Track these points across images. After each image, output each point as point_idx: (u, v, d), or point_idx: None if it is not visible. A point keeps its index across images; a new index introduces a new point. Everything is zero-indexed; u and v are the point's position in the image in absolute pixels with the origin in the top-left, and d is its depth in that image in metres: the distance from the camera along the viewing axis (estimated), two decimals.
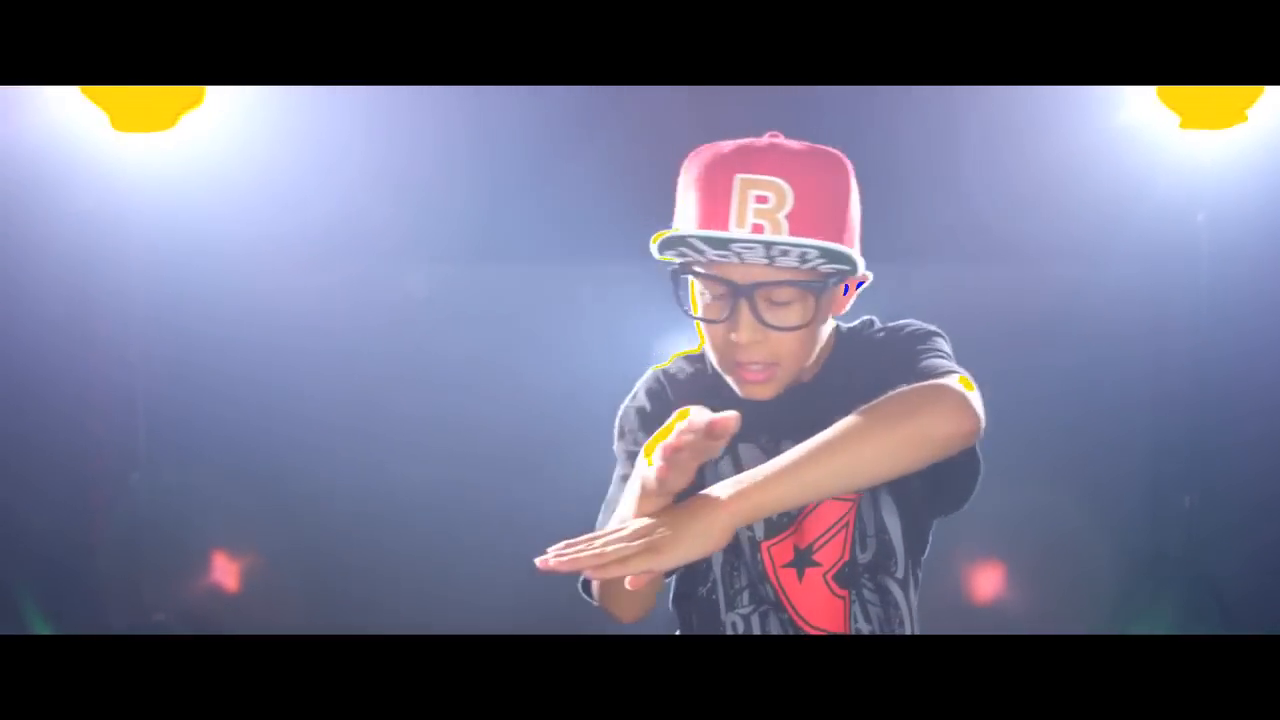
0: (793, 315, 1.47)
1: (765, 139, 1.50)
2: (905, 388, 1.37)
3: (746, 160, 1.45)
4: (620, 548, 1.27)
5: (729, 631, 1.55)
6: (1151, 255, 3.69)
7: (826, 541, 1.53)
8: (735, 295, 1.45)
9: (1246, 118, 3.47)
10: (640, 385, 1.64)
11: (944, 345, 1.53)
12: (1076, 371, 3.54)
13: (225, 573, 3.75)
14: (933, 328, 1.56)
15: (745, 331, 1.46)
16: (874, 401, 1.36)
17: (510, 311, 3.74)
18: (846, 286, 1.54)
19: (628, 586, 1.27)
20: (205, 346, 3.62)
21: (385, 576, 3.70)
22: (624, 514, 1.37)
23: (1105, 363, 3.63)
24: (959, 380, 1.39)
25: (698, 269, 1.47)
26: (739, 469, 1.45)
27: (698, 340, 1.57)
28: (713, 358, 1.54)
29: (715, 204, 1.44)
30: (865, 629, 1.54)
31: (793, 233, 1.41)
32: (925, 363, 1.46)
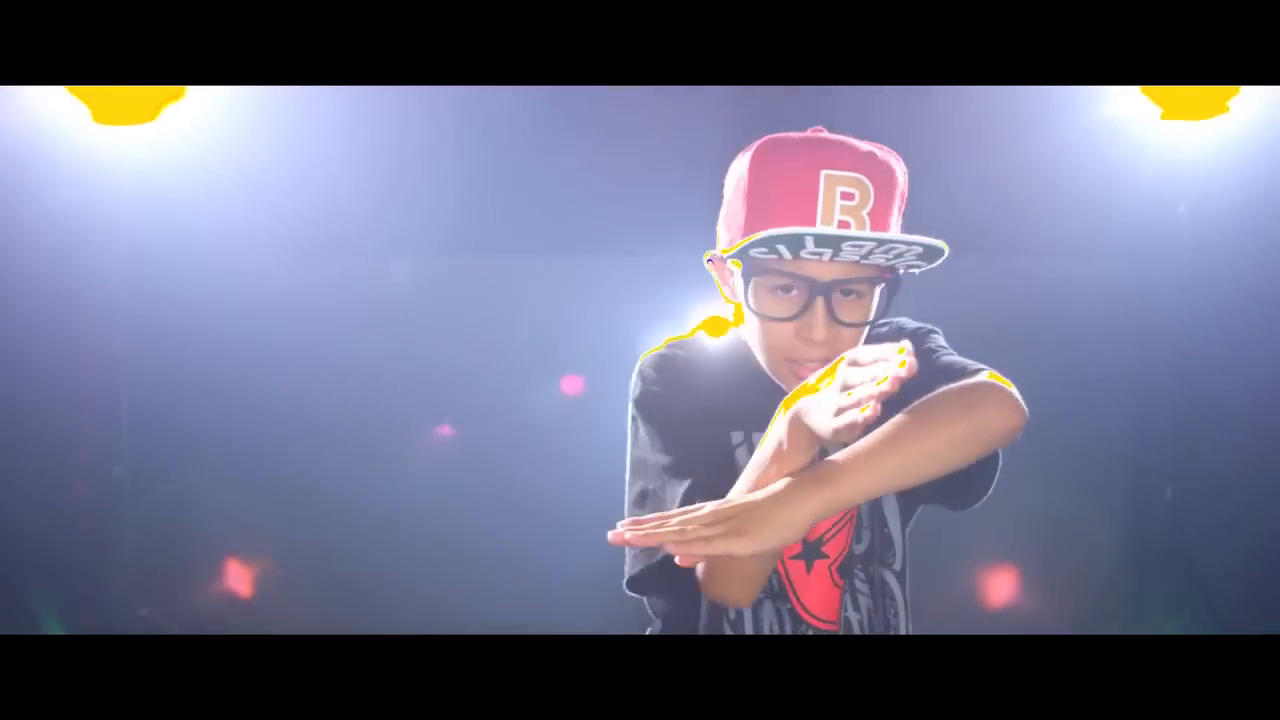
0: (861, 311, 1.46)
1: (825, 134, 1.48)
2: (954, 385, 1.38)
3: (828, 156, 1.43)
4: (701, 530, 1.27)
5: (729, 618, 1.54)
6: (1134, 248, 3.71)
7: (835, 534, 1.53)
8: (812, 293, 1.43)
9: (1228, 109, 3.49)
10: (650, 368, 1.56)
11: (945, 342, 1.54)
12: (1059, 363, 3.54)
13: (208, 568, 3.74)
14: (929, 325, 1.58)
15: (821, 329, 1.43)
16: (926, 399, 1.36)
17: (499, 305, 3.75)
18: None
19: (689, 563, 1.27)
20: (188, 340, 3.61)
21: (384, 574, 3.71)
22: (743, 485, 1.36)
23: (1088, 354, 3.65)
24: (994, 376, 1.40)
25: (771, 268, 1.44)
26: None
27: (684, 330, 1.56)
28: (764, 357, 1.51)
29: (800, 201, 1.42)
30: (854, 618, 1.54)
31: (872, 229, 1.41)
32: (946, 359, 1.48)
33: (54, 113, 3.36)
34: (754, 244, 1.38)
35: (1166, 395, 3.79)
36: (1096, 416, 3.72)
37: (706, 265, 1.59)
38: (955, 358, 1.48)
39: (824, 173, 1.42)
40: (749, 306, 1.48)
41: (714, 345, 1.60)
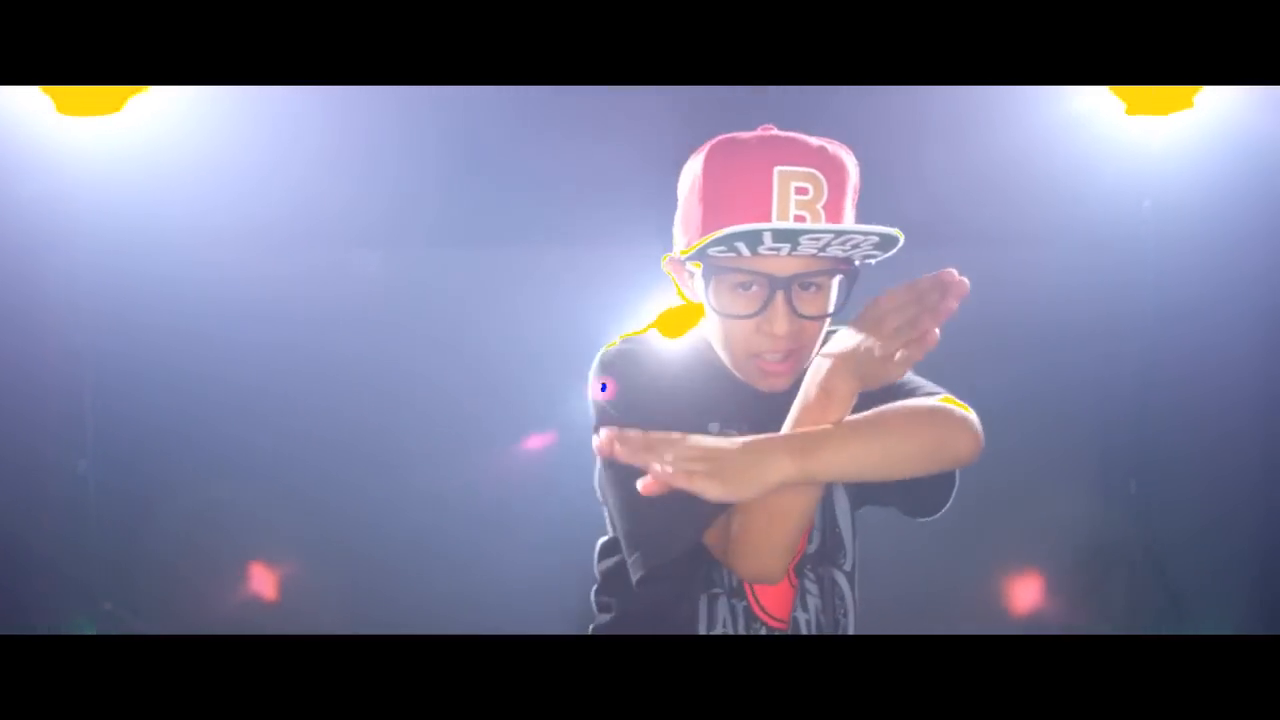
0: (821, 303, 1.48)
1: (775, 131, 1.49)
2: (926, 400, 1.44)
3: (780, 153, 1.44)
4: (684, 464, 1.30)
5: (684, 613, 1.54)
6: (1099, 243, 3.73)
7: None
8: (772, 288, 1.44)
9: (1193, 104, 3.52)
10: (618, 359, 1.54)
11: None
12: (1023, 354, 3.57)
13: (173, 562, 3.71)
14: None
15: (783, 323, 1.45)
16: (901, 404, 1.42)
17: (479, 294, 3.75)
18: None
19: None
20: (153, 335, 3.59)
21: (383, 571, 3.71)
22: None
23: (1053, 345, 3.67)
24: (952, 401, 1.45)
25: (730, 266, 1.44)
26: None
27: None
28: (727, 354, 1.52)
29: (755, 198, 1.43)
30: (802, 618, 1.55)
31: (827, 222, 1.43)
32: (906, 380, 1.51)
33: (16, 104, 3.33)
34: (712, 243, 1.38)
35: (1131, 386, 3.82)
36: (1060, 407, 3.75)
37: (664, 268, 1.59)
38: (913, 378, 1.52)
39: (777, 169, 1.43)
40: (711, 305, 1.49)
41: (674, 343, 1.60)
